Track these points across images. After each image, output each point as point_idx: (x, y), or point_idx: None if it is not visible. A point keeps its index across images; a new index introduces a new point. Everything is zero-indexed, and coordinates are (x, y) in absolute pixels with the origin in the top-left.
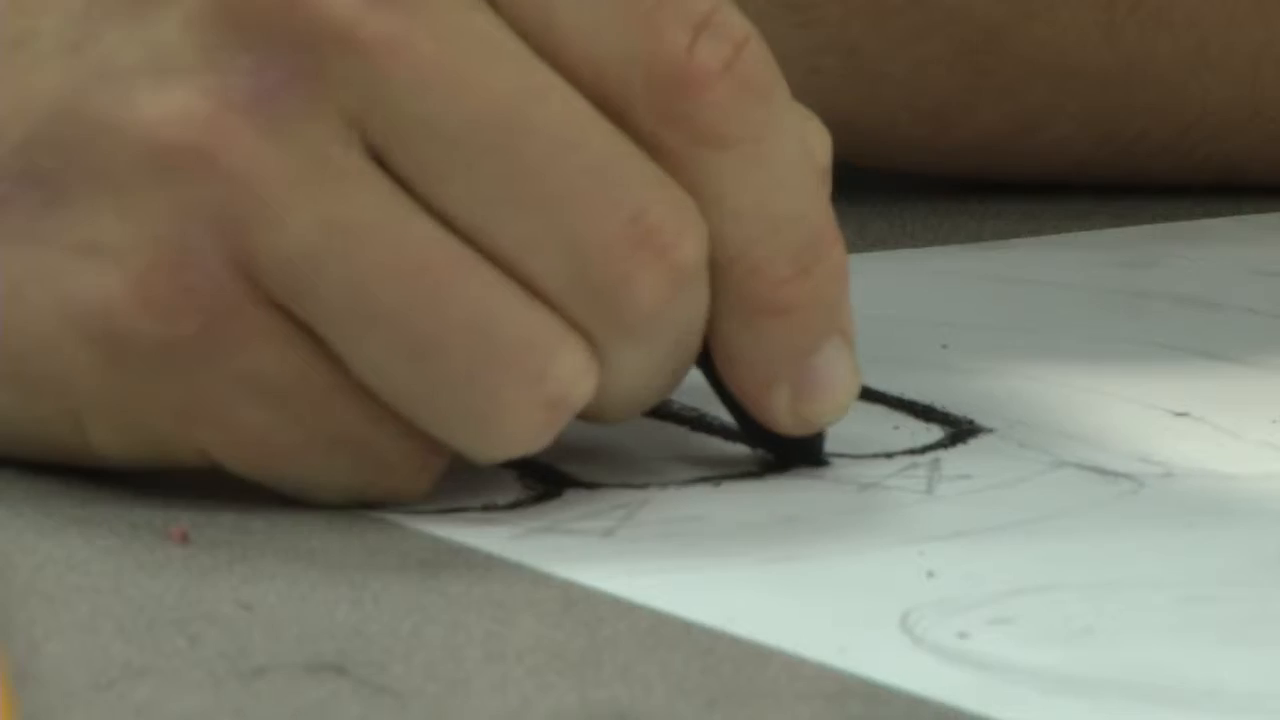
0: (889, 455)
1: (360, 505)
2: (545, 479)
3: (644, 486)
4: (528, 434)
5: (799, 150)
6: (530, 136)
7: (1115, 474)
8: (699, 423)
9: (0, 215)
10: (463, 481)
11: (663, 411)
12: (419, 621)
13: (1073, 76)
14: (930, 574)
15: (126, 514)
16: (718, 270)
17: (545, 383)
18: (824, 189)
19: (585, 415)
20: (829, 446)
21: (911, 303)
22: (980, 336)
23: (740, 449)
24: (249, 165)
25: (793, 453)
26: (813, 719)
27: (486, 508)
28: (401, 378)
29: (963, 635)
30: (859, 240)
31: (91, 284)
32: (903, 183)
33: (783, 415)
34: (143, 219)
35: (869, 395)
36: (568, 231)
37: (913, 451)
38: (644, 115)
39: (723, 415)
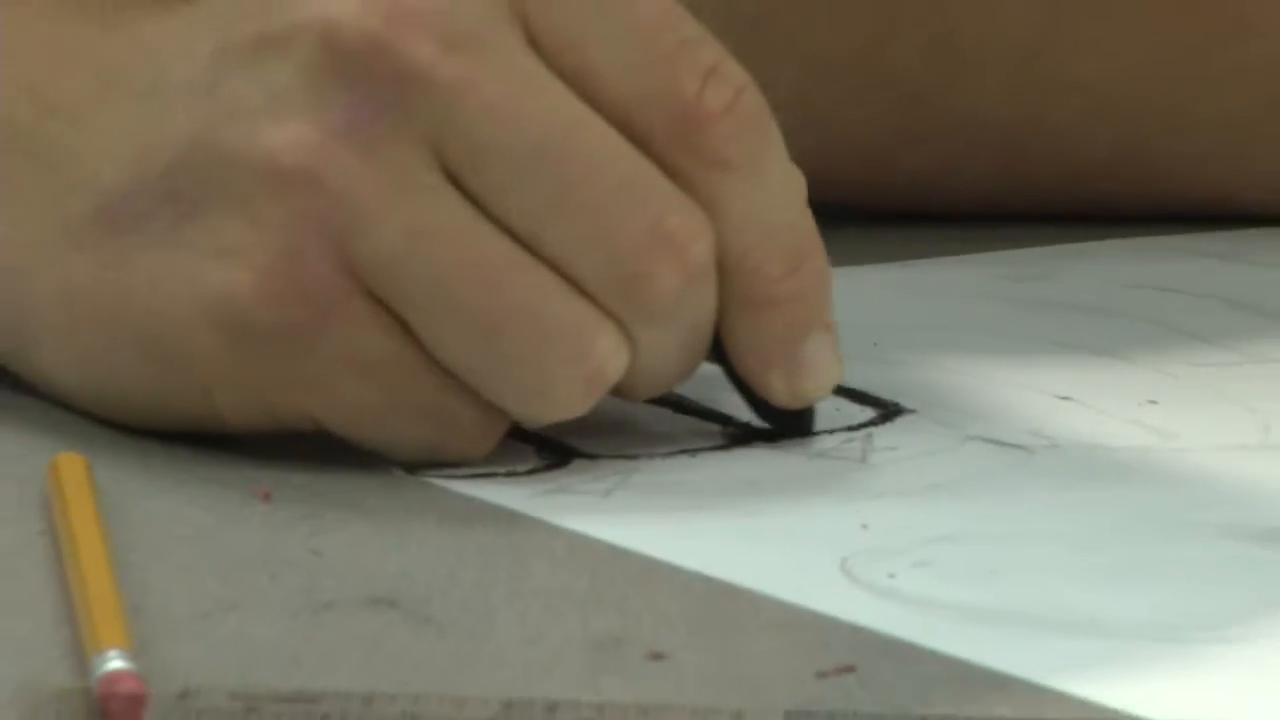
0: (831, 431)
1: (434, 464)
2: (556, 451)
3: (635, 457)
4: (572, 403)
5: (788, 172)
6: (572, 159)
7: (1012, 445)
8: (680, 405)
9: (144, 227)
10: (491, 452)
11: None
12: (455, 565)
13: (984, 129)
14: (864, 526)
15: (219, 477)
16: (724, 272)
17: (587, 360)
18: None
19: (617, 391)
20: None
21: (849, 310)
22: (904, 336)
23: (713, 427)
24: (348, 182)
25: (788, 424)
26: (772, 644)
27: (510, 473)
28: (471, 356)
29: (891, 576)
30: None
31: (221, 279)
32: (843, 213)
33: (779, 393)
34: (264, 228)
35: None
36: (603, 235)
37: (850, 428)
38: (664, 144)
39: (699, 398)
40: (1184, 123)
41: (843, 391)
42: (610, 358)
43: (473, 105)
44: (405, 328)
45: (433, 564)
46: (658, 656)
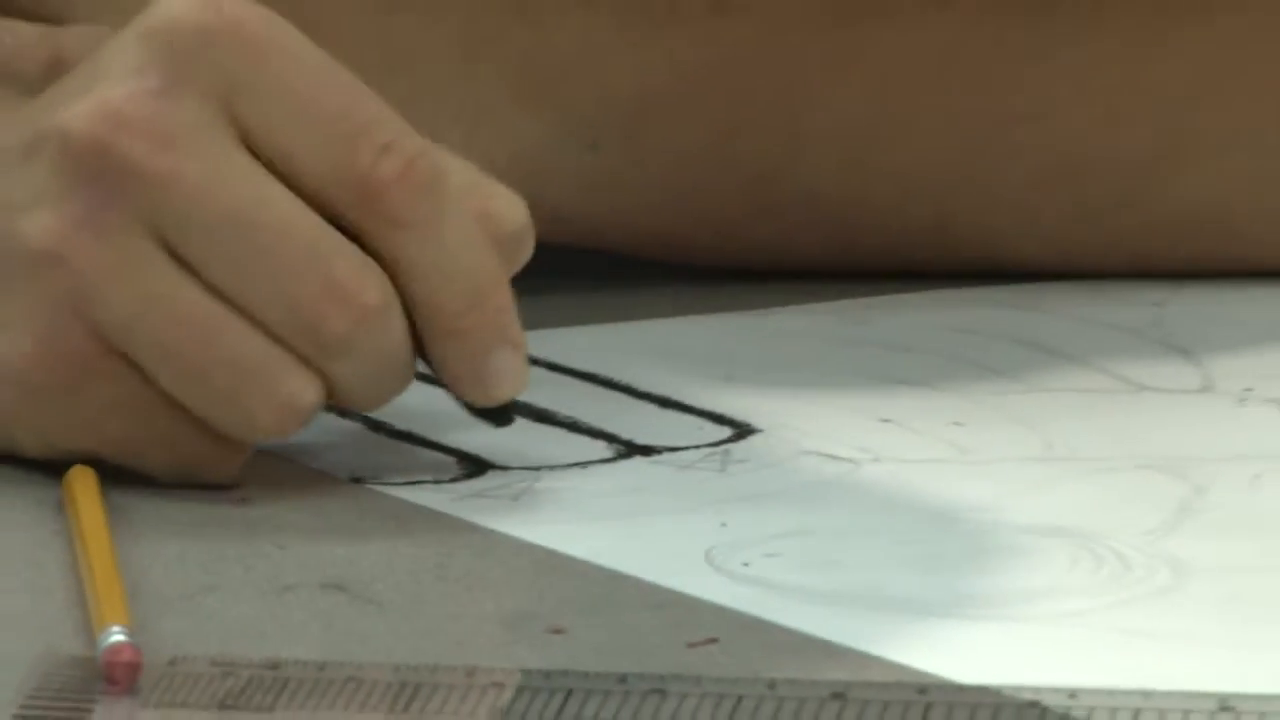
0: (696, 447)
1: (193, 484)
2: (475, 464)
3: (539, 469)
4: (274, 428)
5: (463, 225)
6: (260, 230)
7: (843, 459)
8: (574, 426)
9: None
10: (422, 463)
11: (552, 418)
12: (393, 555)
13: (820, 206)
14: (724, 524)
15: (205, 488)
16: (415, 311)
17: (279, 394)
18: (494, 248)
19: (342, 406)
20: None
21: (711, 349)
22: (755, 370)
23: (601, 444)
24: (86, 262)
25: (492, 417)
26: (650, 620)
27: (436, 481)
28: (192, 396)
29: (746, 565)
30: (693, 307)
31: (5, 349)
32: (705, 272)
33: (475, 399)
34: (25, 303)
35: (683, 408)
36: (286, 290)
37: (712, 445)
38: (350, 211)
39: (593, 421)
40: (983, 197)
41: (705, 415)
42: (301, 391)
43: (179, 192)
44: (146, 377)
45: (375, 555)
46: (558, 630)
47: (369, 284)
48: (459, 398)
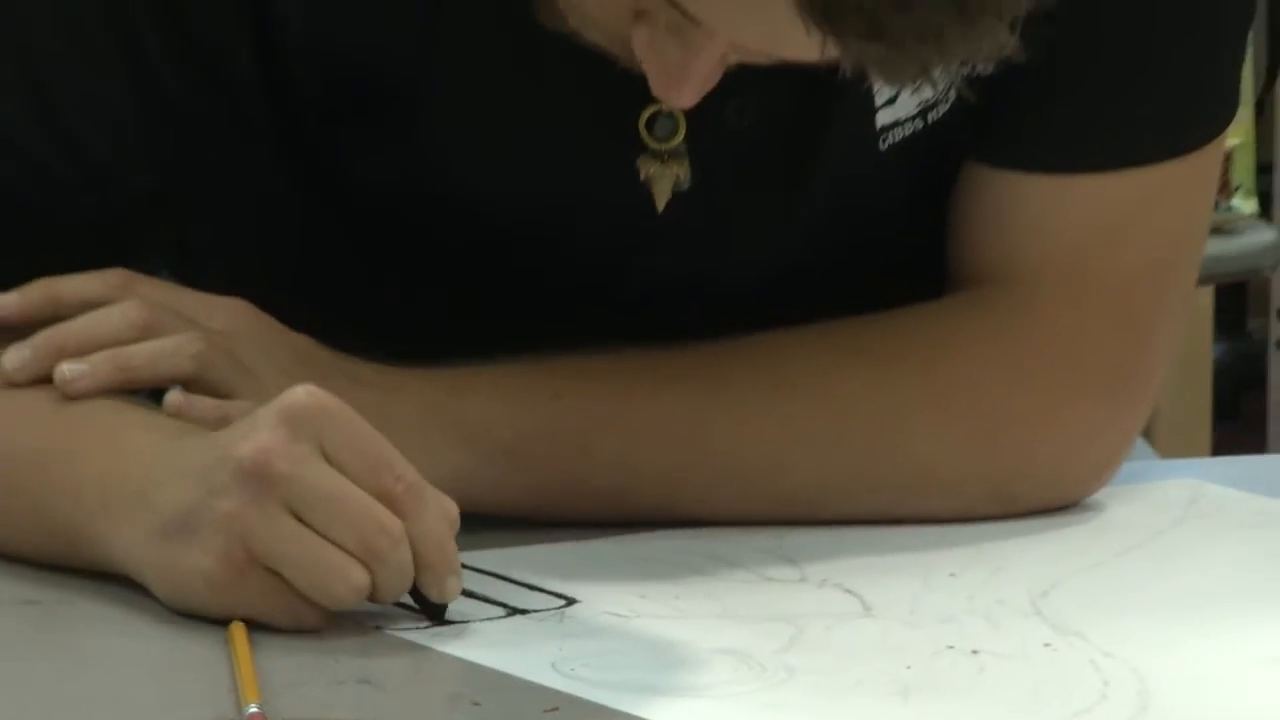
0: (548, 609)
1: (297, 630)
2: (436, 615)
3: (465, 622)
4: (348, 601)
5: (435, 514)
6: (342, 500)
7: (622, 615)
8: (484, 599)
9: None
10: (405, 616)
11: (481, 596)
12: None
13: (638, 494)
14: (560, 648)
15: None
16: (412, 546)
17: (350, 581)
18: (449, 524)
19: (373, 598)
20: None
21: (552, 565)
22: (599, 575)
23: (497, 608)
24: (248, 520)
25: (433, 611)
26: (519, 696)
27: (415, 628)
28: (306, 585)
29: (572, 670)
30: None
31: (200, 563)
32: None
33: (433, 596)
34: (212, 536)
35: (533, 587)
36: (356, 527)
37: (556, 607)
38: (380, 499)
39: (505, 601)
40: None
41: (552, 593)
42: (361, 580)
43: (299, 483)
44: (280, 576)
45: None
46: (476, 704)
47: (396, 528)
48: (418, 595)
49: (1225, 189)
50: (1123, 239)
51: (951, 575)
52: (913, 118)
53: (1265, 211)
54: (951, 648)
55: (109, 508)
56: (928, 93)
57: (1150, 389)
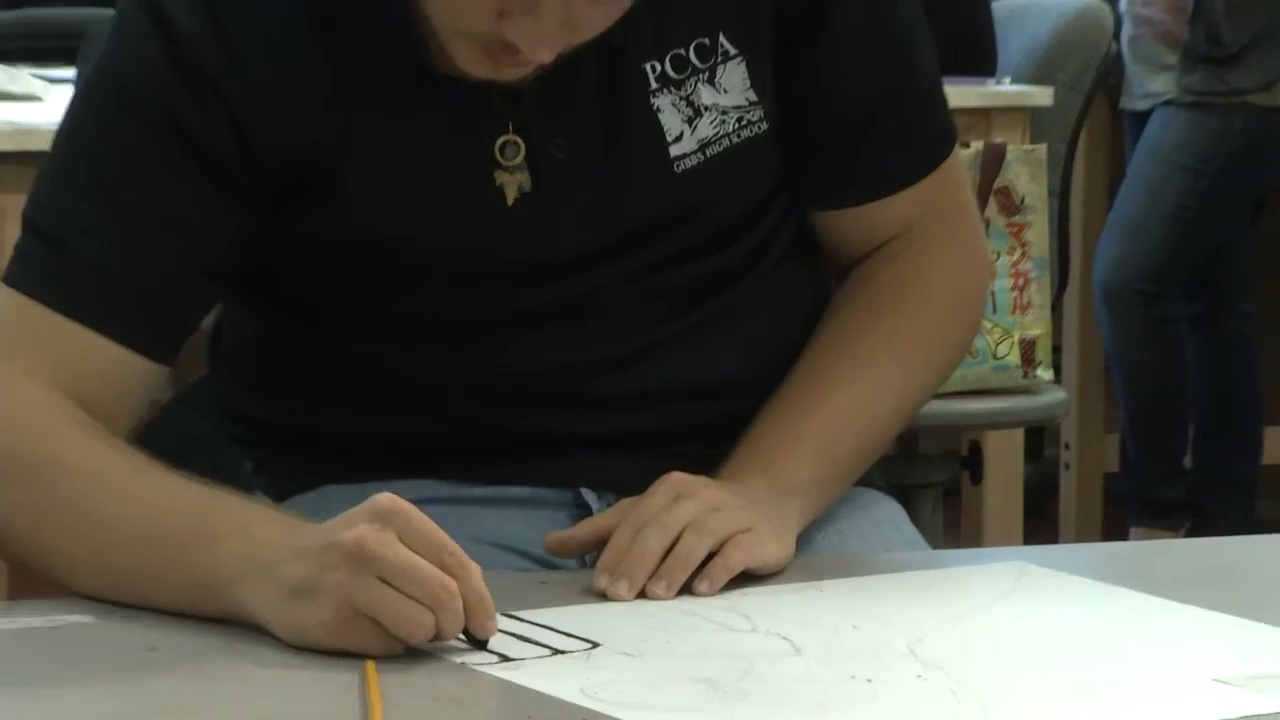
0: (576, 650)
1: (388, 657)
2: (500, 655)
3: (509, 659)
4: (420, 638)
5: (466, 566)
6: (417, 570)
7: (632, 655)
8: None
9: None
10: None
11: (525, 638)
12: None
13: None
14: (589, 678)
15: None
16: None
17: (424, 624)
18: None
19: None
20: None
21: (583, 620)
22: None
23: (542, 649)
24: (349, 586)
25: (478, 643)
26: (549, 713)
27: (484, 663)
28: (395, 627)
29: (598, 692)
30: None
31: (313, 616)
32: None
33: (477, 633)
34: (325, 598)
35: (562, 633)
36: (426, 590)
37: (585, 650)
38: (440, 565)
39: (537, 638)
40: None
41: (581, 638)
42: (430, 623)
43: (386, 561)
44: (378, 623)
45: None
46: (529, 718)
47: (452, 586)
48: (468, 634)
49: (1031, 362)
50: (932, 204)
51: (855, 627)
52: (695, 151)
53: (1058, 378)
54: (854, 677)
55: (245, 577)
56: (705, 133)
57: (981, 233)
